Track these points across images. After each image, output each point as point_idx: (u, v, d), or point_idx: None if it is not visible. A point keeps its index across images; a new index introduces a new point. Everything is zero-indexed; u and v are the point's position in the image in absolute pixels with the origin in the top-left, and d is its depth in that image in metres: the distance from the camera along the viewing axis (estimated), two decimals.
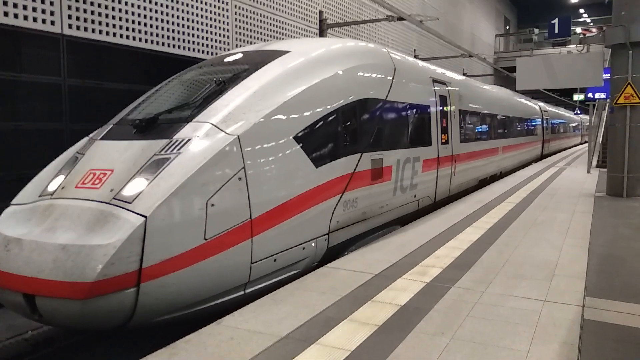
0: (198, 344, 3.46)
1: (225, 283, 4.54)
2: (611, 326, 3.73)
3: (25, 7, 7.32)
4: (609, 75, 10.95)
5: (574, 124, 36.95)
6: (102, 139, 5.27)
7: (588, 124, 30.33)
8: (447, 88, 9.95)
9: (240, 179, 4.60)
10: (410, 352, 3.31)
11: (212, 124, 4.76)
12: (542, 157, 22.82)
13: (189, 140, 4.62)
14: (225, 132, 4.69)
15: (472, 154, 11.51)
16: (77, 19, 8.06)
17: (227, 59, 6.55)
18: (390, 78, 7.45)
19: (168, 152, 4.55)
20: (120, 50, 8.80)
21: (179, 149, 4.53)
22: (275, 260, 4.99)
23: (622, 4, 9.92)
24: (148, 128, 5.01)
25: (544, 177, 14.24)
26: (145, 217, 3.98)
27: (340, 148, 6.00)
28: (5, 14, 7.09)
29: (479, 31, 33.23)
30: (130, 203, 4.13)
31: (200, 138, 4.63)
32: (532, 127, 20.43)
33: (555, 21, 11.84)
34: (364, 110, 6.59)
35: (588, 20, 42.54)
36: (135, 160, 4.56)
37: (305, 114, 5.51)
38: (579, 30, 33.35)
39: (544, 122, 23.10)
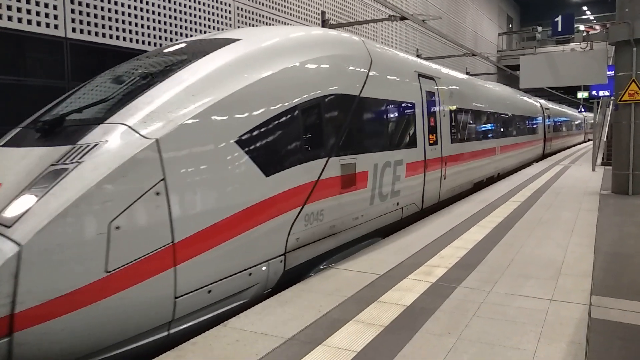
0: (204, 346, 3.46)
1: (140, 324, 3.68)
2: (619, 325, 3.71)
3: (29, 12, 7.35)
4: (613, 72, 10.91)
5: (577, 122, 36.62)
6: (2, 145, 4.39)
7: (592, 121, 30.16)
8: (435, 84, 9.09)
9: (158, 193, 3.70)
10: (416, 353, 3.31)
11: (127, 126, 3.85)
12: (544, 156, 22.26)
13: (95, 145, 3.71)
14: (141, 135, 3.78)
15: (465, 155, 10.66)
16: (81, 22, 8.09)
17: (168, 49, 5.64)
18: (365, 71, 6.57)
19: (67, 161, 3.65)
20: (124, 53, 8.82)
21: (80, 157, 3.63)
22: (210, 291, 4.11)
23: (626, 1, 9.89)
24: (53, 132, 4.09)
25: (548, 175, 14.20)
26: (20, 245, 3.14)
27: (299, 152, 5.12)
28: (9, 18, 7.12)
29: (481, 30, 33.16)
30: (9, 227, 3.28)
31: (110, 143, 3.72)
32: (533, 126, 19.58)
33: (559, 19, 11.80)
34: (332, 107, 5.75)
35: (591, 17, 42.40)
36: (29, 172, 3.68)
37: (253, 112, 4.60)
38: (582, 27, 33.24)
39: (546, 120, 22.41)
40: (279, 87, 5.00)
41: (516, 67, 14.71)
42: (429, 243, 6.24)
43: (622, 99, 9.95)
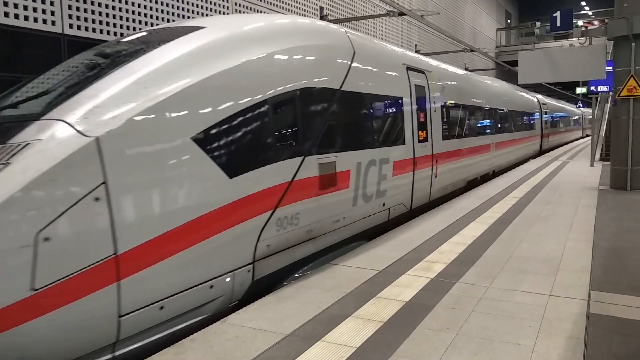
0: (204, 342, 3.46)
1: (77, 347, 3.30)
2: (617, 320, 3.72)
3: (26, 8, 7.32)
4: (611, 67, 10.91)
5: (575, 117, 36.46)
6: None
7: (590, 117, 30.08)
8: (426, 77, 8.66)
9: (97, 199, 3.29)
10: (416, 348, 3.31)
11: (66, 122, 3.42)
12: (541, 152, 21.89)
13: (26, 145, 3.27)
14: (80, 133, 3.34)
15: (457, 152, 10.22)
16: (78, 18, 8.06)
17: (126, 38, 5.17)
18: (348, 63, 6.15)
19: None
20: None
21: (8, 159, 3.20)
22: (162, 307, 3.70)
23: None
24: None
25: (547, 171, 14.21)
26: None
27: (270, 151, 4.71)
28: (6, 14, 7.09)
29: (480, 25, 33.11)
30: None
31: (43, 142, 3.28)
32: (530, 121, 19.19)
33: (557, 14, 11.80)
34: (309, 102, 5.34)
35: (590, 12, 42.34)
36: None
37: (215, 107, 4.17)
38: (580, 23, 33.20)
39: (543, 115, 21.97)
40: (246, 79, 4.55)
41: (515, 63, 14.74)
42: (427, 239, 6.25)
43: (621, 95, 9.95)
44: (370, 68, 6.82)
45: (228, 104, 4.29)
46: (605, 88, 17.81)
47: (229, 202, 4.19)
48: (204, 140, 4.00)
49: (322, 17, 13.09)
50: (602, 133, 17.70)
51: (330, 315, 3.88)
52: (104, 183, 3.33)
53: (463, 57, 25.11)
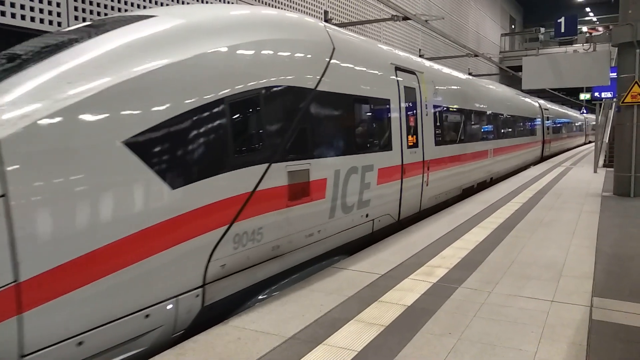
0: (206, 344, 3.47)
1: None
2: (620, 327, 3.70)
3: (32, 9, 7.36)
4: (615, 74, 10.91)
5: (577, 123, 36.04)
6: None
7: (593, 123, 29.93)
8: (417, 79, 8.13)
9: None
10: (417, 353, 3.31)
11: None
12: (543, 158, 21.43)
13: None
14: None
15: (451, 158, 9.68)
16: (84, 19, 8.09)
17: (68, 28, 4.59)
18: (326, 60, 5.63)
19: None
20: None
21: None
22: (81, 343, 3.15)
23: (629, 2, 9.88)
24: None
25: (550, 176, 14.19)
26: None
27: (225, 157, 4.16)
28: (13, 15, 7.13)
29: (484, 30, 33.13)
30: None
31: None
32: (531, 127, 18.62)
33: (562, 20, 11.79)
34: (275, 102, 4.81)
35: (594, 19, 42.34)
36: None
37: (155, 106, 3.62)
38: (585, 29, 33.19)
39: (545, 121, 21.45)
40: (198, 76, 4.00)
41: (519, 68, 14.71)
42: (430, 243, 6.24)
43: (625, 101, 9.94)
44: (352, 67, 6.28)
45: (172, 103, 3.73)
46: (609, 94, 17.78)
47: (170, 217, 3.62)
48: (139, 145, 3.45)
49: (326, 21, 13.12)
50: (606, 139, 17.66)
51: (332, 319, 3.88)
52: (2, 196, 2.78)
53: (467, 62, 25.13)
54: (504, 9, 39.44)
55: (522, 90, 17.13)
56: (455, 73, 11.65)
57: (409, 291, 4.50)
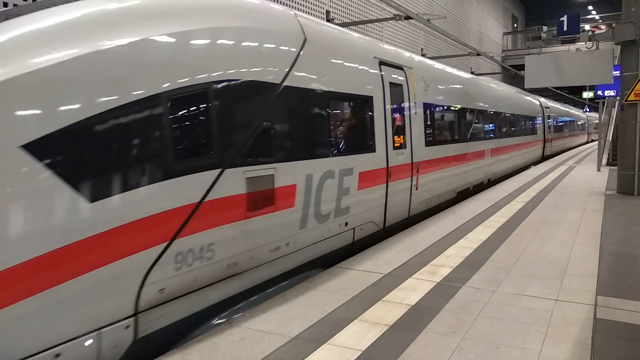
0: (210, 344, 3.47)
1: None
2: (625, 325, 3.69)
3: None
4: (618, 72, 10.87)
5: (580, 122, 35.58)
6: None
7: (597, 121, 29.77)
8: (405, 74, 7.60)
9: None
10: (421, 352, 3.31)
11: None
12: (544, 158, 20.88)
13: None
14: None
15: (444, 160, 9.09)
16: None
17: None
18: (294, 52, 5.07)
19: None
20: None
21: None
22: None
23: (632, 1, 9.85)
24: None
25: (553, 175, 14.16)
26: None
27: (163, 163, 3.58)
28: None
29: (486, 29, 33.09)
30: None
31: None
32: (531, 125, 18.09)
33: (564, 18, 11.77)
34: (232, 99, 4.26)
35: (597, 17, 42.24)
36: None
37: (69, 104, 3.08)
38: (587, 27, 33.12)
39: (546, 119, 20.90)
40: (129, 68, 3.45)
41: (521, 67, 14.69)
42: (433, 242, 6.24)
43: (628, 99, 9.91)
44: (327, 60, 5.74)
45: (92, 100, 3.19)
46: (612, 93, 17.75)
47: (87, 235, 3.09)
48: (44, 150, 2.90)
49: (328, 20, 13.13)
50: (609, 138, 17.62)
51: (336, 318, 3.88)
52: None
53: (469, 61, 25.10)
54: (506, 8, 39.37)
55: (523, 89, 17.09)
56: (448, 69, 11.12)
57: (412, 290, 4.50)
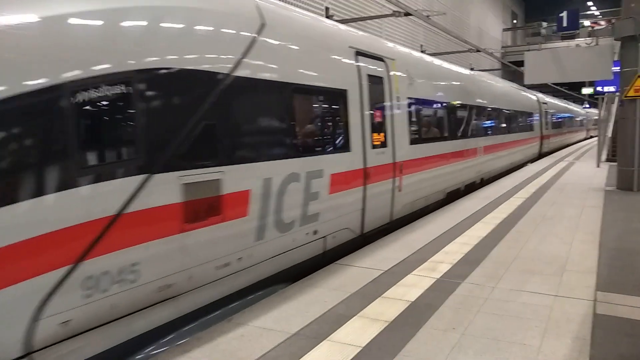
0: (209, 341, 3.48)
1: None
2: (624, 321, 3.70)
3: None
4: (618, 68, 10.87)
5: (578, 118, 35.17)
6: None
7: (596, 117, 29.64)
8: (386, 67, 7.02)
9: None
10: (421, 348, 3.31)
11: None
12: (540, 155, 20.22)
13: None
14: None
15: (432, 158, 8.49)
16: None
17: None
18: (248, 37, 4.45)
19: None
20: None
21: None
22: None
23: None
24: None
25: (552, 171, 14.16)
26: None
27: (63, 168, 3.03)
28: None
29: (486, 26, 33.02)
30: None
31: None
32: (527, 122, 17.46)
33: (564, 14, 11.78)
34: (164, 91, 3.68)
35: (597, 13, 42.16)
36: None
37: None
38: (587, 23, 33.08)
39: (543, 115, 20.25)
40: (22, 50, 2.91)
41: (521, 63, 14.67)
42: (433, 239, 6.24)
43: (628, 95, 9.90)
44: (291, 48, 5.14)
45: None
46: (612, 88, 17.74)
47: None
48: None
49: (328, 17, 13.10)
50: (609, 134, 17.61)
51: (336, 315, 3.88)
52: None
53: (469, 58, 25.06)
54: (505, 4, 39.30)
55: (523, 85, 17.05)
56: (437, 62, 10.52)
57: (412, 287, 4.50)
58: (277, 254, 4.78)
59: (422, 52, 14.11)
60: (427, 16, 12.79)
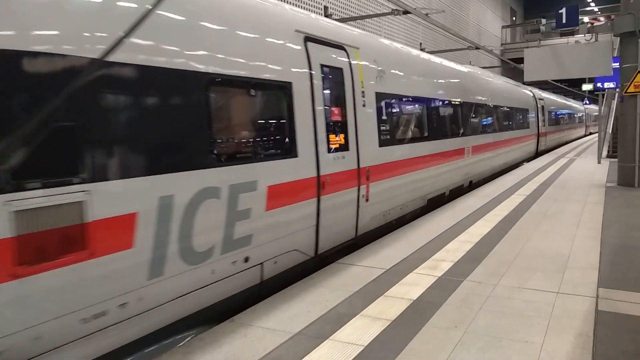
0: (212, 342, 3.48)
1: None
2: (626, 317, 3.70)
3: None
4: (618, 64, 10.86)
5: (577, 114, 34.50)
6: None
7: (595, 113, 29.47)
8: (348, 56, 5.95)
9: None
10: (424, 346, 3.31)
11: None
12: (538, 154, 19.32)
13: None
14: None
15: (407, 162, 7.41)
16: None
17: None
18: (132, 9, 3.40)
19: None
20: None
21: None
22: None
23: None
24: None
25: (553, 168, 14.15)
26: None
27: None
28: None
29: (485, 23, 33.00)
30: None
31: None
32: (522, 119, 16.41)
33: (563, 11, 11.74)
34: None
35: (596, 9, 42.10)
36: None
37: None
38: (586, 19, 33.03)
39: (540, 112, 19.31)
40: None
41: (520, 60, 14.63)
42: (434, 237, 6.24)
43: (628, 91, 9.89)
44: (204, 27, 4.03)
45: None
46: (611, 85, 17.70)
47: None
48: None
49: (327, 16, 13.09)
50: (609, 130, 17.59)
51: (338, 314, 3.88)
52: None
53: (468, 55, 25.05)
54: (504, 1, 39.28)
55: (523, 82, 17.01)
56: (414, 52, 9.25)
57: (414, 285, 4.50)
58: (185, 292, 3.74)
59: (421, 49, 14.09)
60: (426, 14, 12.78)
